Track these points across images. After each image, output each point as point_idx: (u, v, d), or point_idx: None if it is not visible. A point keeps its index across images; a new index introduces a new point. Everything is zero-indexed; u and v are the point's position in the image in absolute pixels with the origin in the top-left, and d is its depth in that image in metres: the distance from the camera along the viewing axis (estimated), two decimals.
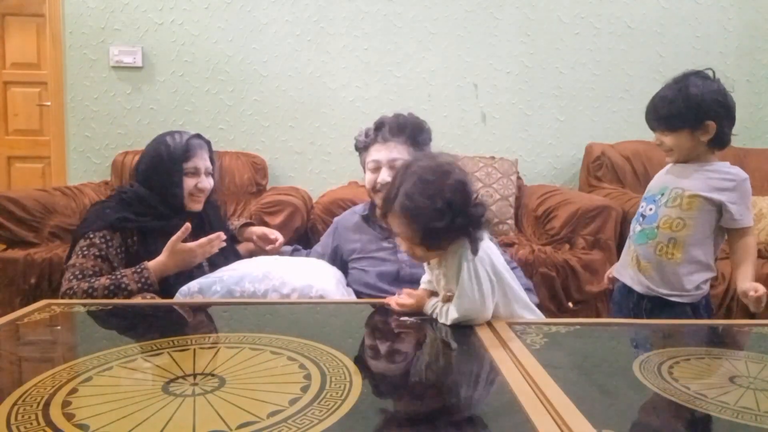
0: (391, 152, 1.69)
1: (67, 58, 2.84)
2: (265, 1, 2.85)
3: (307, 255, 1.88)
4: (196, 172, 1.65)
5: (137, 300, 1.44)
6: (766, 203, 2.56)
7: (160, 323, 1.21)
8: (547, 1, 2.91)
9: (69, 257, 1.59)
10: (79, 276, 1.48)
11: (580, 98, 2.97)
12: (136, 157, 2.68)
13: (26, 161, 4.16)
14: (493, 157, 2.75)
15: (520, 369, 0.88)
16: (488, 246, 1.16)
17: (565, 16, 2.92)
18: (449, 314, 1.12)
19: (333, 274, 1.63)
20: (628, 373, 0.88)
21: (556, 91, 2.96)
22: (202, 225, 1.69)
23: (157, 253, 1.54)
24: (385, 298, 1.64)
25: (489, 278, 1.12)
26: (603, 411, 0.78)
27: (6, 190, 3.52)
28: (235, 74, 2.88)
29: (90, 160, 2.88)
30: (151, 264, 1.51)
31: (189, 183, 1.64)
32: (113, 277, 1.48)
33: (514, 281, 1.20)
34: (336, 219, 1.90)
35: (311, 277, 1.49)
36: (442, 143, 2.92)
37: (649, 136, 2.91)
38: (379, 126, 1.71)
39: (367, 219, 1.77)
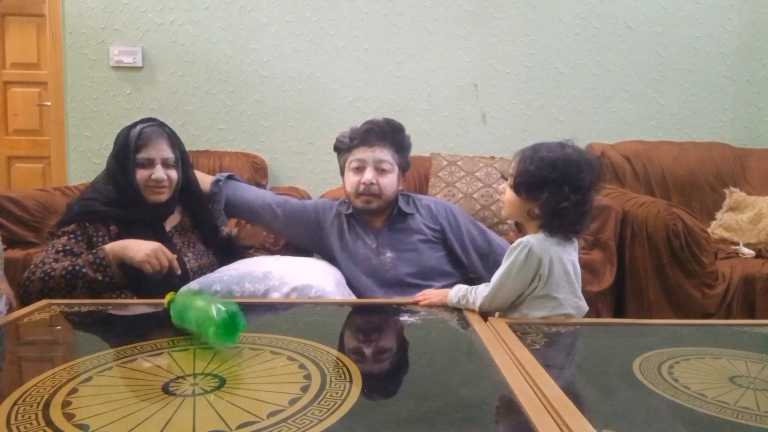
0: (377, 154, 1.68)
1: (67, 58, 2.84)
2: (265, 1, 2.85)
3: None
4: (149, 164, 1.56)
5: (137, 300, 1.44)
6: (766, 203, 2.56)
7: (160, 323, 1.21)
8: (547, 1, 2.91)
9: None
10: (39, 265, 1.43)
11: (580, 98, 2.96)
12: None
13: (26, 161, 4.16)
14: (493, 157, 2.75)
15: (520, 369, 0.88)
16: (562, 251, 1.20)
17: (565, 16, 2.92)
18: (478, 293, 1.20)
19: (333, 274, 1.63)
20: (628, 373, 0.88)
21: (556, 91, 2.96)
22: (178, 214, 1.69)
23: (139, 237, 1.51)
24: (373, 296, 1.64)
25: (525, 278, 1.17)
26: (603, 411, 0.78)
27: (6, 190, 3.52)
28: (235, 74, 2.88)
29: (90, 160, 2.88)
30: (109, 246, 1.44)
31: (142, 174, 1.56)
32: (73, 261, 1.42)
33: (566, 294, 1.21)
34: (318, 202, 1.87)
35: (310, 277, 1.49)
36: (442, 143, 2.92)
37: (649, 136, 2.95)
38: (366, 132, 1.69)
39: (352, 216, 1.75)
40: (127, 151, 1.56)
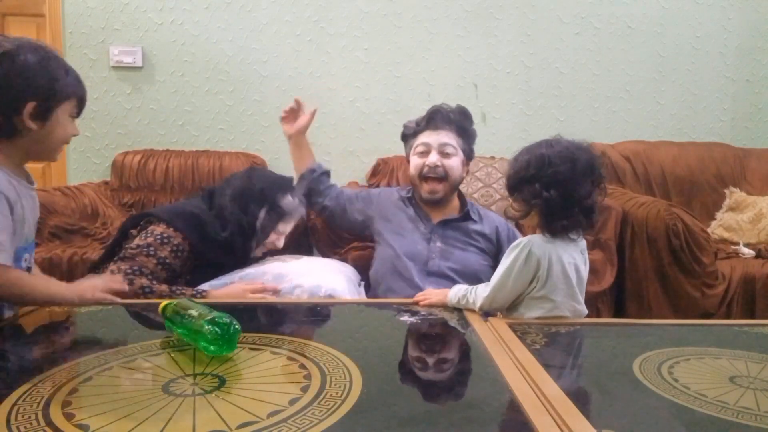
0: (441, 137, 1.70)
1: (67, 58, 2.82)
2: (265, 1, 2.85)
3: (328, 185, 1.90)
4: (282, 234, 1.69)
5: (138, 300, 1.44)
6: (766, 203, 2.56)
7: (160, 323, 1.21)
8: (547, 1, 2.91)
9: (124, 234, 1.58)
10: (138, 273, 1.44)
11: (580, 98, 2.96)
12: (136, 157, 2.72)
13: None
14: (493, 157, 2.75)
15: (520, 369, 0.88)
16: (563, 253, 1.18)
17: (565, 16, 2.92)
18: (479, 293, 1.20)
19: (344, 272, 1.63)
20: (628, 373, 0.88)
21: (556, 91, 2.96)
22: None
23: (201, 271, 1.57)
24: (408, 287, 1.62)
25: (525, 278, 1.17)
26: (603, 411, 0.78)
27: None
28: (235, 74, 2.88)
29: (90, 160, 2.88)
30: (215, 293, 1.47)
31: (272, 237, 1.67)
32: (173, 290, 1.43)
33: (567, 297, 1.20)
34: (376, 190, 1.93)
35: (320, 277, 1.49)
36: None
37: (649, 135, 2.95)
38: (431, 114, 1.72)
39: (410, 200, 1.77)
40: (279, 216, 1.64)
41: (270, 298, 1.43)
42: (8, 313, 1.16)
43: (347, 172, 2.88)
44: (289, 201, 1.66)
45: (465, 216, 1.74)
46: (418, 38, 2.89)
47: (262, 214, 1.61)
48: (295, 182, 1.81)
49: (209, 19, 2.84)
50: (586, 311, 1.22)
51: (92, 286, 1.15)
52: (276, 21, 2.86)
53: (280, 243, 1.70)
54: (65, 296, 1.11)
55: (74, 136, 1.19)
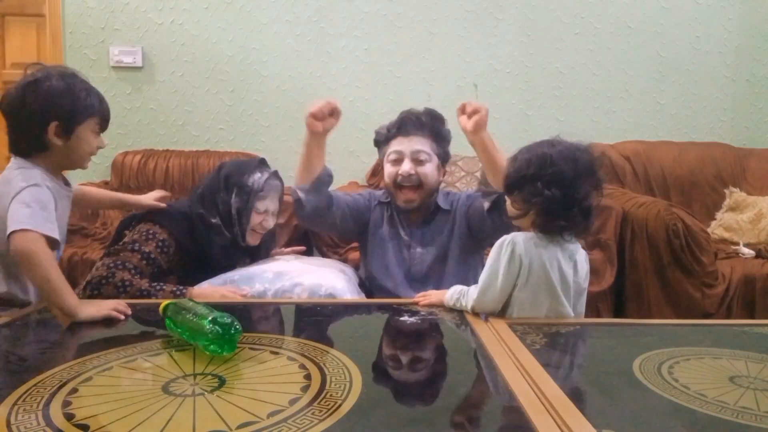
0: (413, 144, 1.67)
1: (67, 58, 2.84)
2: (265, 1, 2.85)
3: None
4: (265, 212, 1.65)
5: (137, 300, 1.44)
6: (766, 203, 2.56)
7: (160, 323, 1.21)
8: (547, 1, 2.91)
9: (120, 236, 1.58)
10: (120, 267, 1.44)
11: (580, 98, 2.96)
12: (136, 157, 2.72)
13: None
14: None
15: (520, 369, 0.88)
16: (549, 255, 1.17)
17: (565, 16, 2.92)
18: (470, 295, 1.19)
19: (344, 272, 1.63)
20: (628, 373, 0.88)
21: (556, 91, 2.96)
22: (251, 256, 1.71)
23: (190, 269, 1.56)
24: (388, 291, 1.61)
25: (511, 277, 1.15)
26: (603, 411, 0.78)
27: None
28: (235, 74, 2.88)
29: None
30: (195, 292, 1.45)
31: (255, 219, 1.63)
32: (153, 286, 1.43)
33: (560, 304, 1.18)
34: (365, 192, 1.87)
35: (321, 276, 1.49)
36: None
37: (649, 136, 2.95)
38: (402, 121, 1.69)
39: (388, 205, 1.75)
40: (249, 195, 1.61)
41: (248, 298, 1.43)
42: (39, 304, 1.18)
43: (347, 172, 2.88)
44: (256, 177, 1.63)
45: (437, 208, 1.72)
46: (418, 38, 2.89)
47: (233, 199, 1.60)
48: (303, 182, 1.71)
49: (209, 19, 2.85)
50: (572, 314, 1.20)
51: (99, 302, 1.17)
52: (276, 21, 2.86)
53: (269, 223, 1.66)
54: (69, 302, 1.11)
55: (100, 147, 1.36)
